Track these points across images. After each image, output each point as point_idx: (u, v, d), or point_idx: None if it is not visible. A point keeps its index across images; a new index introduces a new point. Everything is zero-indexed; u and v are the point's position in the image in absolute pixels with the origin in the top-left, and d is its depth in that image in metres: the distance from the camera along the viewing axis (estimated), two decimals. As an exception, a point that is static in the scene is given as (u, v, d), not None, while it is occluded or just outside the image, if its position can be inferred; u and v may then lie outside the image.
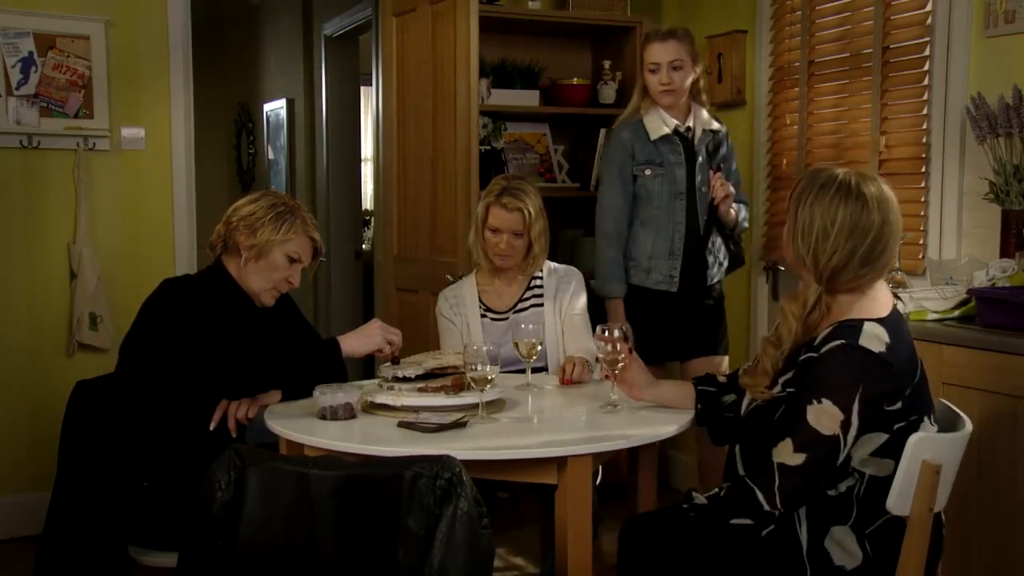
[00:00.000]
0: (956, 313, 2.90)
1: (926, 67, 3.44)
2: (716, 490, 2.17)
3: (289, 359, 2.54)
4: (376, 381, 2.57)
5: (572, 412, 2.57)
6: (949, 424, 2.19)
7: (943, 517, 2.16)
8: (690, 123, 3.45)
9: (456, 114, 3.93)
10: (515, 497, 3.82)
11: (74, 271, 3.96)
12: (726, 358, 3.59)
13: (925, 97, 3.45)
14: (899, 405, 2.02)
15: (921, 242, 3.45)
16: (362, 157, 6.65)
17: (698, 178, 3.43)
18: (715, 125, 3.52)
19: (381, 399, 2.43)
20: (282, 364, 2.52)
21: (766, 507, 2.03)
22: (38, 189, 3.92)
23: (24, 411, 3.94)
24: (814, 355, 2.05)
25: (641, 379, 2.47)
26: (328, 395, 2.36)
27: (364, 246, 6.79)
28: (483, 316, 3.12)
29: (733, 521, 2.09)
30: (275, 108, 6.93)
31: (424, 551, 1.72)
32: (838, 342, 2.01)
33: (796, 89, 4.00)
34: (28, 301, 3.94)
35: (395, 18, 4.38)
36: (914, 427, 2.04)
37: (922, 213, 3.45)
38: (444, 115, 4.04)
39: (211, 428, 2.52)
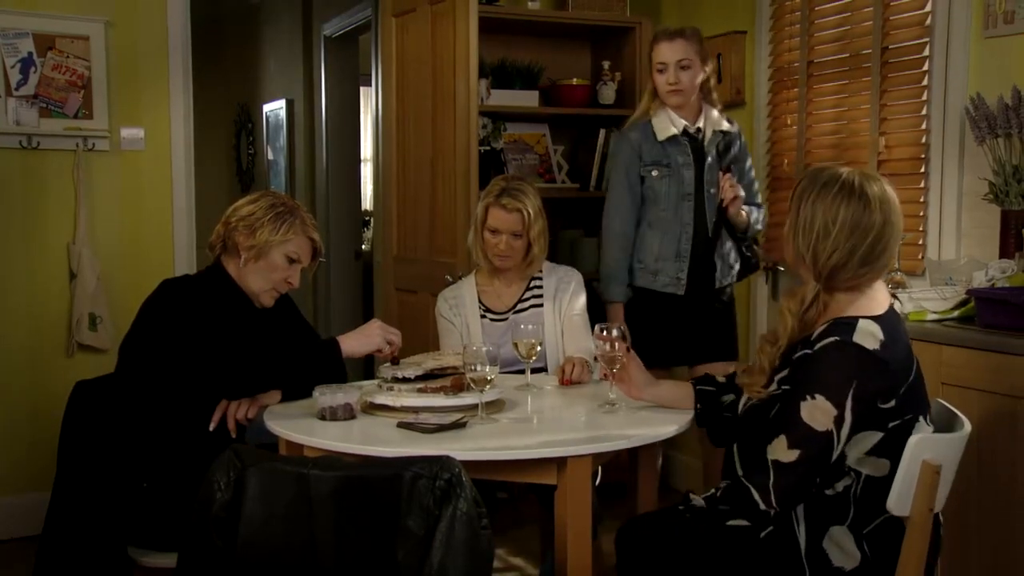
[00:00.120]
0: (955, 313, 2.90)
1: (925, 67, 3.44)
2: (713, 491, 2.17)
3: (289, 359, 2.54)
4: (376, 382, 2.57)
5: (572, 412, 2.57)
6: (946, 424, 2.19)
7: (940, 517, 2.16)
8: (700, 124, 3.41)
9: (456, 114, 3.93)
10: (515, 497, 3.82)
11: (73, 271, 3.96)
12: (735, 364, 3.53)
13: (924, 97, 3.45)
14: (893, 403, 2.02)
15: (920, 242, 3.46)
16: (362, 157, 6.65)
17: (707, 179, 3.39)
18: (726, 125, 3.46)
19: (381, 400, 2.43)
20: (282, 364, 2.52)
21: (762, 506, 2.03)
22: (38, 189, 3.92)
23: (24, 411, 3.94)
24: (809, 351, 2.05)
25: (639, 378, 2.47)
26: (328, 396, 2.36)
27: (364, 246, 6.79)
28: (483, 317, 3.13)
29: (730, 523, 2.10)
30: (275, 108, 6.93)
31: (424, 551, 1.73)
32: (832, 339, 2.02)
33: (795, 90, 4.01)
34: (28, 301, 3.94)
35: (395, 18, 4.38)
36: (909, 426, 2.05)
37: (921, 213, 3.46)
38: (444, 115, 4.04)
39: (211, 429, 2.52)
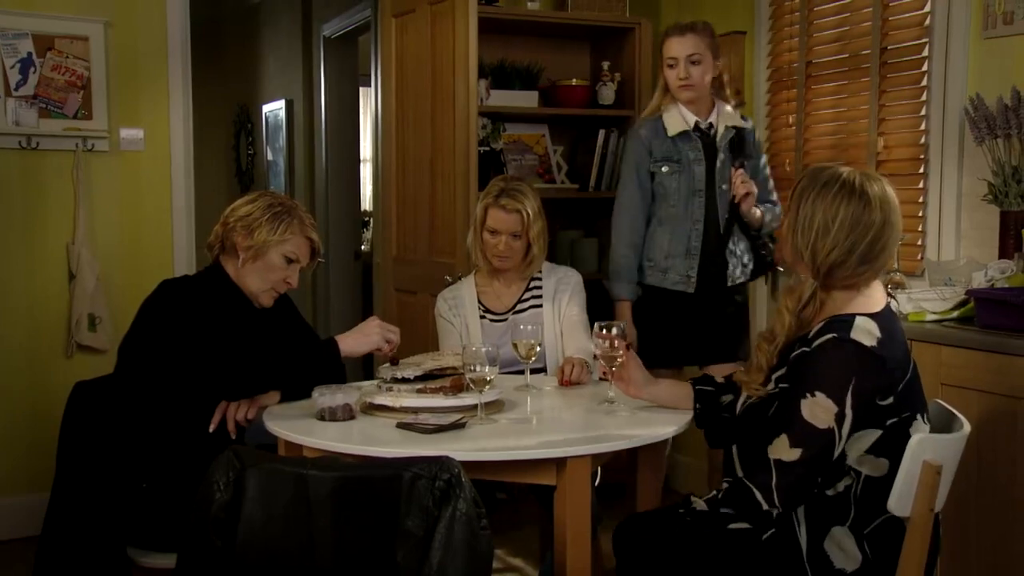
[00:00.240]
0: (955, 314, 2.90)
1: (925, 68, 3.44)
2: (714, 492, 2.17)
3: (288, 360, 2.53)
4: (375, 382, 2.57)
5: (571, 413, 2.57)
6: (944, 425, 2.19)
7: (940, 517, 2.16)
8: (712, 119, 3.37)
9: (455, 115, 3.93)
10: (514, 498, 3.81)
11: (73, 272, 3.95)
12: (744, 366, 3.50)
13: (924, 98, 3.45)
14: (891, 400, 2.02)
15: (920, 243, 3.46)
16: (361, 158, 6.65)
17: (718, 175, 3.33)
18: (740, 121, 3.41)
19: (380, 400, 2.43)
20: (281, 365, 2.52)
21: (765, 506, 2.03)
22: (37, 190, 3.92)
23: (23, 412, 3.93)
24: (807, 349, 2.05)
25: (638, 377, 2.47)
26: (327, 396, 2.36)
27: (363, 247, 6.79)
28: (482, 317, 3.12)
29: (731, 526, 2.10)
30: (274, 109, 6.93)
31: (423, 552, 1.73)
32: (830, 336, 2.02)
33: (794, 90, 4.01)
34: (27, 302, 3.94)
35: (394, 19, 4.38)
36: (907, 424, 2.05)
37: (921, 214, 3.46)
38: (443, 116, 4.04)
39: (211, 430, 2.52)
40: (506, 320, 3.10)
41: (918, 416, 2.08)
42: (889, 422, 2.03)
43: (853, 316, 2.04)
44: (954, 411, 2.21)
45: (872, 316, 2.05)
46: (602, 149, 4.38)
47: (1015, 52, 3.14)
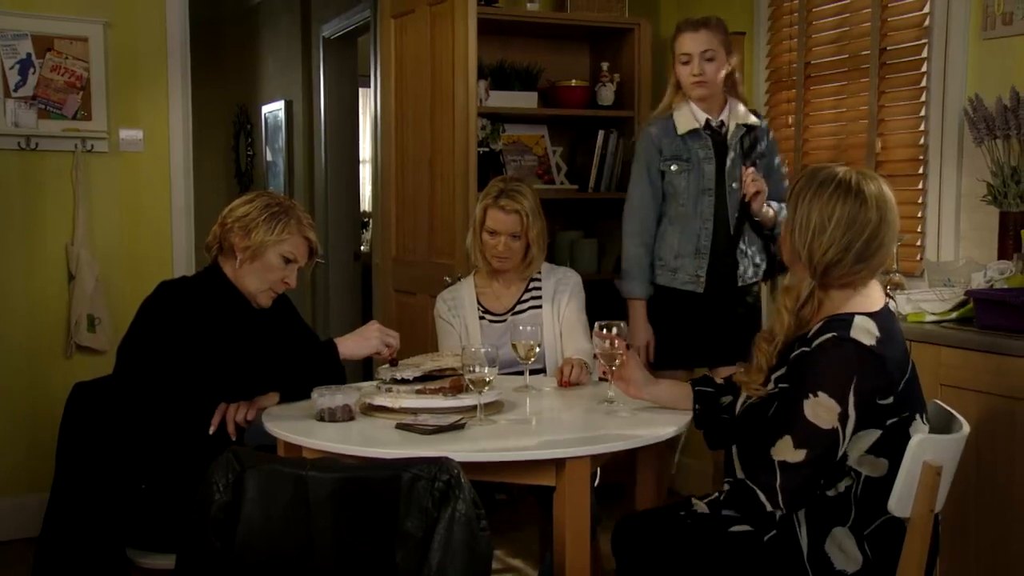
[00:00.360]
0: (954, 315, 2.91)
1: (924, 69, 3.44)
2: (716, 494, 2.17)
3: (287, 361, 2.53)
4: (374, 383, 2.57)
5: (570, 414, 2.57)
6: (943, 425, 2.19)
7: (939, 517, 2.16)
8: (723, 117, 3.31)
9: (454, 116, 3.93)
10: (513, 499, 3.81)
11: (72, 273, 3.95)
12: None
13: (923, 99, 3.45)
14: (891, 400, 2.02)
15: (919, 244, 3.46)
16: (360, 159, 6.66)
17: (728, 174, 3.28)
18: (752, 119, 3.34)
19: (379, 401, 2.43)
20: (280, 366, 2.52)
21: (768, 507, 2.03)
22: (36, 191, 3.92)
23: (22, 413, 3.93)
24: (806, 349, 2.06)
25: (638, 377, 2.47)
26: (326, 397, 2.36)
27: (362, 248, 6.79)
28: (481, 318, 3.12)
29: (732, 529, 2.10)
30: (273, 110, 6.93)
31: (422, 553, 1.72)
32: (829, 335, 2.02)
33: (793, 91, 4.01)
34: (26, 303, 3.94)
35: (393, 20, 4.38)
36: (906, 424, 2.05)
37: (920, 215, 3.46)
38: (442, 117, 4.04)
39: (211, 432, 2.51)
40: (505, 321, 3.10)
41: (917, 416, 2.08)
42: (889, 422, 2.03)
43: (852, 315, 2.05)
44: (953, 412, 2.21)
45: (871, 315, 2.06)
46: (601, 150, 4.38)
47: (1014, 53, 3.14)
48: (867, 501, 2.05)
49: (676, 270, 3.31)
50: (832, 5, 3.84)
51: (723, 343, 3.35)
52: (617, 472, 3.55)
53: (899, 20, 3.55)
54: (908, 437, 2.01)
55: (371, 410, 2.44)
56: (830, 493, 2.06)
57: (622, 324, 2.46)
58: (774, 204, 3.29)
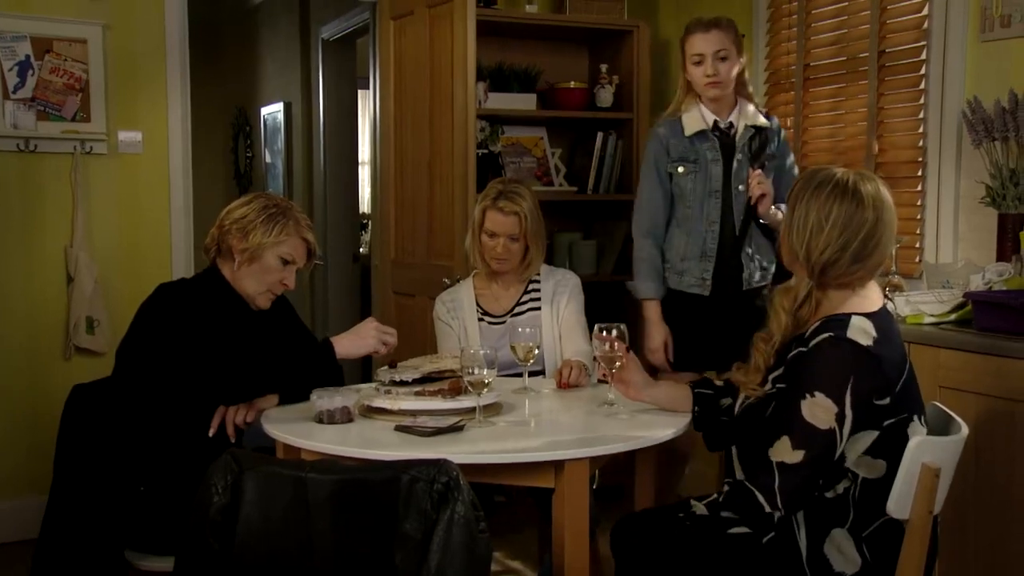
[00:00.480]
0: (952, 317, 2.91)
1: (922, 71, 3.45)
2: (715, 495, 2.17)
3: (286, 363, 2.53)
4: (373, 385, 2.57)
5: (569, 415, 2.57)
6: (942, 427, 2.19)
7: (938, 519, 2.16)
8: (732, 118, 3.28)
9: (453, 118, 3.93)
10: (512, 501, 3.80)
11: (71, 275, 3.95)
12: None
13: (921, 101, 3.46)
14: (888, 401, 2.03)
15: (918, 246, 3.46)
16: (359, 160, 6.65)
17: (735, 176, 3.25)
18: (762, 121, 3.29)
19: (378, 403, 2.43)
20: (279, 368, 2.52)
21: (767, 508, 2.03)
22: (35, 193, 3.92)
23: (21, 415, 3.93)
24: (803, 349, 2.06)
25: (638, 379, 2.47)
26: (325, 399, 2.36)
27: (361, 249, 6.79)
28: (480, 320, 3.12)
29: (731, 531, 2.10)
30: (272, 111, 6.93)
31: (421, 555, 1.72)
32: (826, 335, 2.03)
33: (792, 92, 4.01)
34: (25, 305, 3.93)
35: (393, 22, 4.38)
36: (904, 425, 2.05)
37: (918, 217, 3.46)
38: (441, 119, 4.04)
39: (210, 434, 2.51)
40: (504, 323, 3.10)
41: (915, 418, 2.08)
42: (886, 423, 2.03)
43: (849, 315, 2.05)
44: (952, 414, 2.21)
45: (868, 316, 2.06)
46: (600, 151, 4.38)
47: (1012, 55, 3.15)
48: (865, 503, 2.05)
49: (682, 273, 3.30)
50: (831, 7, 3.85)
51: (731, 347, 3.30)
52: (616, 474, 3.54)
53: (898, 22, 3.56)
54: (906, 439, 2.01)
55: (370, 412, 2.44)
56: (829, 495, 2.07)
57: (622, 326, 2.45)
58: (783, 207, 3.26)
